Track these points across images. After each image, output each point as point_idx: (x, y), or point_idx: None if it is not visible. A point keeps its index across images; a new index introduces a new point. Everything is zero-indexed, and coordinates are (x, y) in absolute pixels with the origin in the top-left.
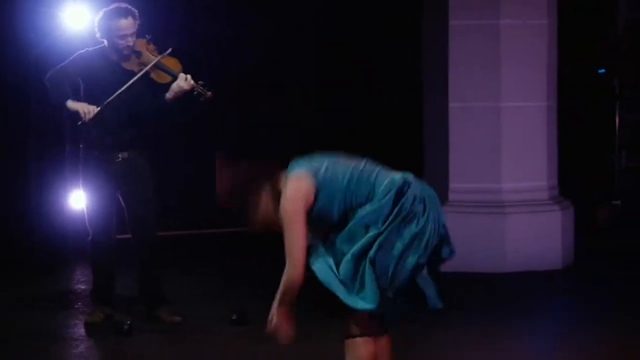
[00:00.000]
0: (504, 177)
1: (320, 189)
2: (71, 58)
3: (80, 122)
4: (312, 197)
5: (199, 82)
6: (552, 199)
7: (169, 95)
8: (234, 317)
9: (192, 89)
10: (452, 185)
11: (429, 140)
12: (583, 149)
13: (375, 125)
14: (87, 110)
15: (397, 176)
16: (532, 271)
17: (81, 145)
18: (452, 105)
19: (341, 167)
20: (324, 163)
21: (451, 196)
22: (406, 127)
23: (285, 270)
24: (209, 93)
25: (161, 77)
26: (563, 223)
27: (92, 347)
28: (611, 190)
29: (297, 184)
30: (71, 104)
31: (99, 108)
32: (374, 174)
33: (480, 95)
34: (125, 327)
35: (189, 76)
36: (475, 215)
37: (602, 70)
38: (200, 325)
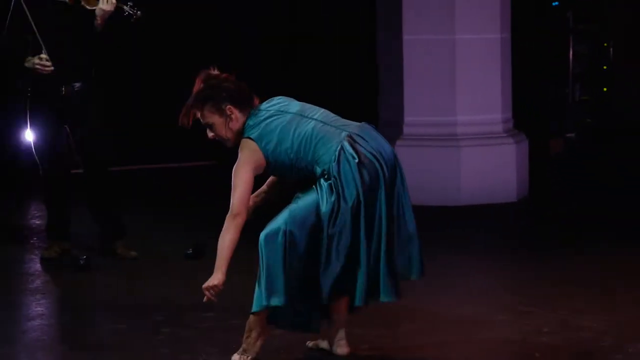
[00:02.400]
0: (458, 110)
1: (269, 156)
2: (12, 8)
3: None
4: (263, 163)
5: (129, 2)
6: (507, 132)
7: (96, 21)
8: (190, 251)
9: (117, 10)
10: (407, 118)
11: (383, 74)
12: (537, 82)
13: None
14: (42, 65)
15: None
16: (487, 204)
17: (30, 78)
18: (406, 37)
19: (290, 135)
20: (276, 131)
21: (406, 130)
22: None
23: (224, 227)
24: (139, 13)
25: (89, 3)
26: (517, 156)
27: (48, 281)
28: (565, 122)
29: (250, 154)
30: (27, 64)
31: (44, 53)
32: (316, 143)
33: (434, 27)
34: (82, 261)
35: None
36: (430, 148)
37: (556, 3)
38: (158, 259)
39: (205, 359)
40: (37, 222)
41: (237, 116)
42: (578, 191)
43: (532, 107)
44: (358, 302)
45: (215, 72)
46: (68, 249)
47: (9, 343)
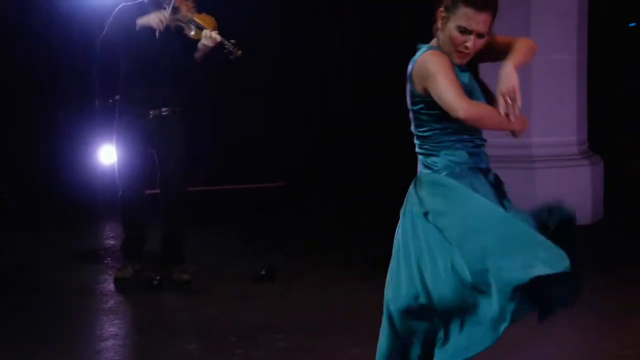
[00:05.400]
0: (534, 132)
1: None
2: (109, 21)
3: (157, 33)
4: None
5: (231, 40)
6: (582, 154)
7: (197, 54)
8: (263, 272)
9: (220, 46)
10: None
11: None
12: (613, 103)
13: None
14: (158, 20)
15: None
16: None
17: (118, 100)
18: None
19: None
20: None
21: None
22: None
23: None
24: (239, 52)
25: (194, 33)
26: (592, 178)
27: (121, 302)
28: None
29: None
30: (140, 21)
31: (169, 10)
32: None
33: None
34: (155, 282)
35: (213, 33)
36: (505, 169)
37: (633, 24)
38: (230, 280)
39: None
40: (111, 242)
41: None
42: None
43: (607, 128)
44: None
45: None
46: (141, 269)
47: None
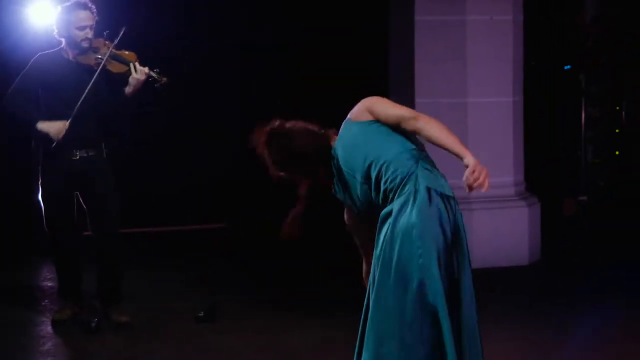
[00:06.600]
0: None
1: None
2: (24, 70)
3: (54, 144)
4: None
5: (155, 69)
6: (519, 195)
7: (128, 89)
8: (201, 313)
9: (148, 77)
10: None
11: None
12: (549, 144)
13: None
14: (56, 131)
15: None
16: (498, 267)
17: (41, 142)
18: (419, 101)
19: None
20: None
21: None
22: None
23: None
24: (164, 79)
25: (117, 67)
26: (529, 219)
27: (59, 344)
28: (577, 185)
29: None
30: (41, 126)
31: (68, 122)
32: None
33: (446, 91)
34: (93, 324)
35: (142, 68)
36: None
37: (568, 67)
38: (169, 322)
39: None
40: (49, 284)
41: None
42: (590, 254)
43: (544, 169)
44: None
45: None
46: (79, 311)
47: None
